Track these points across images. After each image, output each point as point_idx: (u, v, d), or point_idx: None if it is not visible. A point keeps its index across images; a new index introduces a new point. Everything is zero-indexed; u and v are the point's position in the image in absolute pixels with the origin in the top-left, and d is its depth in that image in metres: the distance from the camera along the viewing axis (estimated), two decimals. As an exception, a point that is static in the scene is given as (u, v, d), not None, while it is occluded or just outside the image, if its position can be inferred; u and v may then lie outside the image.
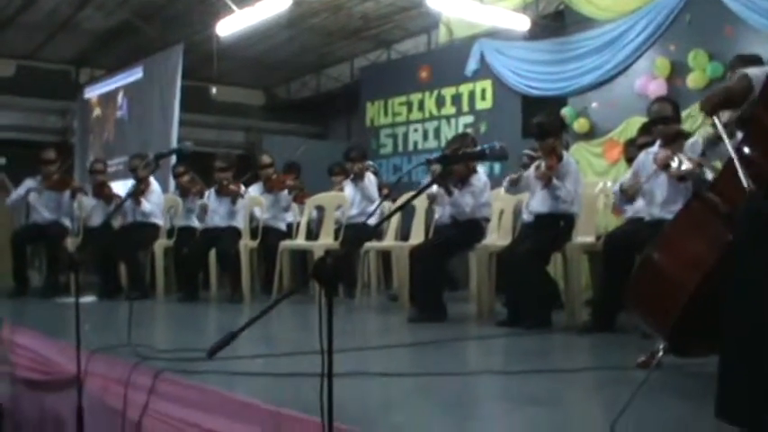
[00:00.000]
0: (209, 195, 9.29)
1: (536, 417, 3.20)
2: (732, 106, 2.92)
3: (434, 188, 7.42)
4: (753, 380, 2.20)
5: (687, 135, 5.69)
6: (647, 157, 5.81)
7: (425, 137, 14.26)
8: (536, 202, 6.58)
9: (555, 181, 6.35)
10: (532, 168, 6.60)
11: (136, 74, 15.66)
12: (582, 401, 3.71)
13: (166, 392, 3.77)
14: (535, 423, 3.08)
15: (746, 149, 2.47)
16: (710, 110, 2.92)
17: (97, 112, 17.09)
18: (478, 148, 2.79)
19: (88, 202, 9.98)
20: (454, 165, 2.55)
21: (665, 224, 2.82)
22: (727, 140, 2.58)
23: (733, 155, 2.44)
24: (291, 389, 3.64)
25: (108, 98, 16.71)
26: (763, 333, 2.16)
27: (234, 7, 12.02)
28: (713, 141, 4.31)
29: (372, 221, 8.91)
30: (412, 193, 3.05)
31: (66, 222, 9.81)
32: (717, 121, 2.86)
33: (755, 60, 5.32)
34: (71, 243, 9.57)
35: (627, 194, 5.88)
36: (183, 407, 3.60)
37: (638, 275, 2.62)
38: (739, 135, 2.76)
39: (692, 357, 3.95)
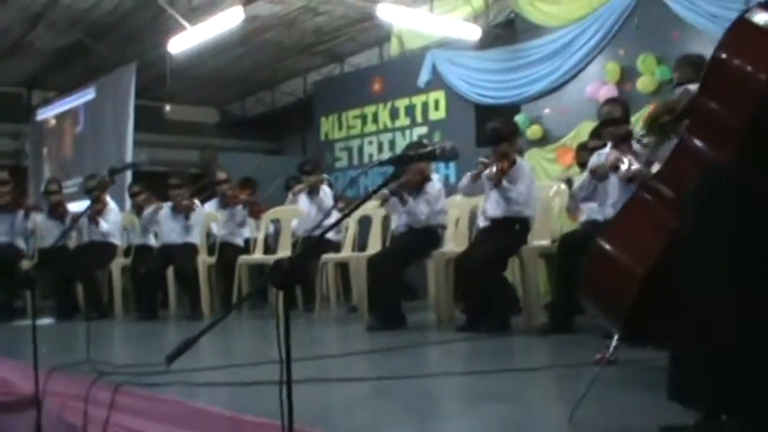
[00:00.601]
0: (165, 212, 9.25)
1: (496, 412, 3.22)
2: (669, 120, 2.99)
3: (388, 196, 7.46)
4: (703, 362, 2.24)
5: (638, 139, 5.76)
6: (599, 158, 5.88)
7: (380, 149, 14.29)
8: (490, 206, 6.63)
9: (505, 183, 6.40)
10: (486, 172, 6.64)
11: (88, 94, 15.57)
12: (541, 397, 3.75)
13: (127, 406, 3.75)
14: (495, 418, 3.11)
15: (689, 138, 2.53)
16: (649, 123, 2.99)
17: (50, 134, 16.95)
18: (429, 148, 2.81)
19: (43, 222, 9.89)
20: (406, 165, 2.58)
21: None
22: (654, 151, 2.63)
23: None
24: (251, 397, 3.64)
25: (61, 120, 16.59)
26: (714, 314, 2.21)
27: (186, 24, 11.98)
28: (656, 144, 4.37)
29: (331, 235, 8.95)
30: (363, 199, 3.08)
31: (21, 244, 9.72)
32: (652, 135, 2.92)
33: (700, 60, 5.39)
34: (26, 265, 9.49)
35: (598, 175, 5.85)
36: (145, 419, 3.58)
37: (589, 268, 2.66)
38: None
39: (646, 346, 4.01)
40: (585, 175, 6.06)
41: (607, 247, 2.64)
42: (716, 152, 2.45)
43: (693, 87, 2.73)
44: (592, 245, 2.69)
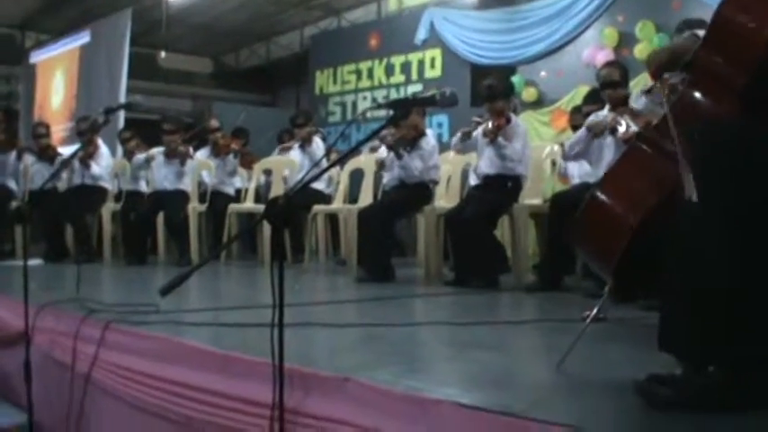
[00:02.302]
0: (157, 158, 9.22)
1: (483, 359, 3.25)
2: (675, 68, 2.97)
3: (383, 153, 7.46)
4: (692, 312, 2.26)
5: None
6: (596, 119, 5.88)
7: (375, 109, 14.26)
8: (484, 163, 6.63)
9: (500, 139, 6.40)
10: (480, 129, 6.64)
11: (83, 38, 15.46)
12: (528, 348, 3.78)
13: (116, 343, 3.77)
14: (483, 365, 3.13)
15: (689, 91, 2.53)
16: (655, 71, 2.96)
17: (42, 76, 16.85)
18: (429, 93, 2.81)
19: (33, 164, 9.83)
20: (404, 109, 2.58)
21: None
22: (666, 105, 2.62)
23: (669, 114, 2.49)
24: (239, 337, 3.66)
25: (54, 62, 16.49)
26: (705, 265, 2.23)
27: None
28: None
29: (322, 187, 8.96)
30: (361, 141, 3.08)
31: (12, 185, 9.68)
32: (659, 85, 2.90)
33: (701, 24, 5.37)
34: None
35: (595, 131, 5.86)
36: (133, 356, 3.60)
37: (583, 215, 2.67)
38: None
39: (635, 300, 4.05)
40: (581, 131, 6.07)
41: (602, 194, 2.65)
42: (715, 105, 2.46)
43: (701, 33, 2.72)
44: (588, 196, 2.70)
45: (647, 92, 4.86)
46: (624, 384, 2.49)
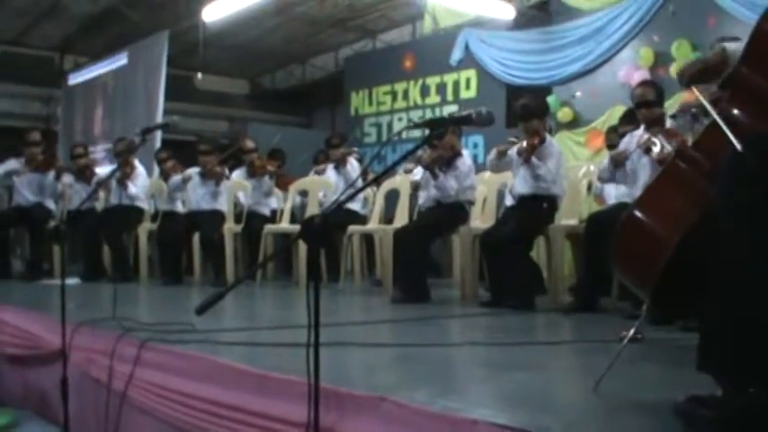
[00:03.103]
0: (193, 178, 9.27)
1: (520, 380, 3.23)
2: (707, 80, 2.96)
3: (418, 175, 7.46)
4: (733, 333, 2.23)
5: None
6: (632, 139, 5.87)
7: (411, 129, 14.23)
8: (519, 183, 6.61)
9: (534, 159, 6.38)
10: (515, 148, 6.63)
11: (120, 60, 15.59)
12: (565, 369, 3.75)
13: (152, 361, 3.78)
14: (519, 386, 3.11)
15: (728, 108, 2.51)
16: (687, 81, 2.96)
17: (81, 99, 17.02)
18: (465, 112, 2.80)
19: (71, 184, 9.92)
20: (440, 128, 2.57)
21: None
22: (708, 106, 2.61)
23: (715, 116, 2.47)
24: (275, 357, 3.67)
25: (92, 85, 16.65)
26: (746, 285, 2.20)
27: (220, -8, 12.00)
28: (691, 115, 4.36)
29: (357, 208, 8.97)
30: (397, 161, 3.07)
31: (50, 205, 9.79)
32: (695, 91, 2.90)
33: (734, 40, 5.34)
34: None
35: (616, 161, 5.89)
36: (169, 375, 3.61)
37: (621, 234, 2.64)
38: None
39: (674, 321, 4.01)
40: (605, 161, 6.07)
41: (640, 213, 2.63)
42: (755, 123, 2.43)
43: (733, 45, 2.71)
44: (625, 215, 2.67)
45: (674, 116, 4.85)
46: (662, 405, 2.46)
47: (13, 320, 5.38)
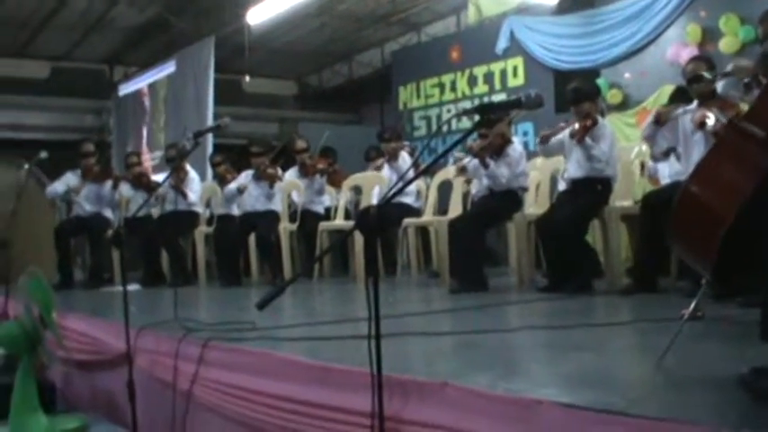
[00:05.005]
0: (247, 181, 9.35)
1: (582, 361, 3.23)
2: None
3: (467, 161, 7.45)
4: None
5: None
6: (685, 115, 5.80)
7: (459, 117, 14.20)
8: (572, 167, 6.58)
9: (588, 140, 6.36)
10: (567, 131, 6.61)
11: (169, 68, 15.78)
12: (626, 348, 3.73)
13: (215, 360, 3.83)
14: (582, 366, 3.11)
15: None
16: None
17: (132, 108, 17.23)
18: (514, 97, 2.80)
19: (129, 192, 10.07)
20: (491, 114, 2.58)
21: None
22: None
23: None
24: (337, 350, 3.69)
25: (143, 94, 16.85)
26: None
27: (263, -6, 12.09)
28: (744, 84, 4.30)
29: (411, 201, 8.98)
30: (447, 148, 3.09)
31: (108, 214, 9.93)
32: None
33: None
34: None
35: (658, 118, 5.85)
36: (233, 372, 3.65)
37: (677, 209, 2.62)
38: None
39: (735, 296, 3.97)
40: (650, 117, 6.02)
41: (695, 187, 2.61)
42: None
43: None
44: (681, 189, 2.65)
45: (725, 74, 4.78)
46: (725, 379, 2.45)
47: (79, 327, 5.48)
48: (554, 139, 6.72)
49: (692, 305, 3.29)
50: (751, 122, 2.55)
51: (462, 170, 7.49)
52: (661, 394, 2.55)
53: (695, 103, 5.77)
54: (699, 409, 2.27)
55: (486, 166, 7.00)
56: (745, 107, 4.70)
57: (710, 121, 5.31)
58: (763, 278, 2.36)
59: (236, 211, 9.85)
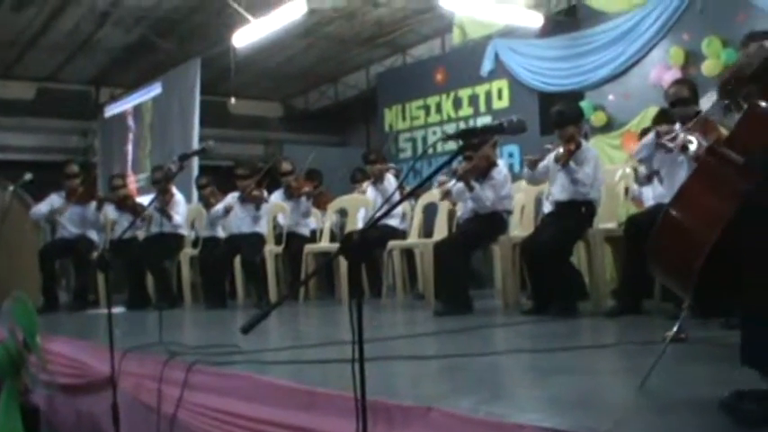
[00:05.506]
0: (233, 203, 9.35)
1: (565, 383, 3.25)
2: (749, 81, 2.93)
3: (452, 185, 7.47)
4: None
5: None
6: (668, 128, 5.83)
7: (445, 140, 14.19)
8: (556, 189, 6.61)
9: (572, 164, 6.39)
10: (552, 155, 6.64)
11: (155, 90, 15.79)
12: (611, 370, 3.75)
13: (200, 384, 3.83)
14: (564, 389, 3.12)
15: (759, 104, 2.51)
16: (723, 92, 2.93)
17: (118, 129, 17.22)
18: (497, 122, 2.82)
19: (114, 214, 10.04)
20: (473, 138, 2.59)
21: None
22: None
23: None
24: (322, 374, 3.69)
25: (129, 116, 16.85)
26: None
27: (249, 17, 12.11)
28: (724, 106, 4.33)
29: (396, 223, 8.99)
30: (432, 173, 3.10)
31: (93, 236, 9.89)
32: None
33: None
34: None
35: (662, 137, 5.83)
36: (217, 396, 3.65)
37: (658, 233, 2.65)
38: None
39: (715, 317, 4.00)
40: (650, 134, 6.03)
41: (676, 212, 2.63)
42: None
43: None
44: (662, 215, 2.68)
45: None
46: (708, 402, 2.46)
47: (63, 350, 5.46)
48: (540, 165, 6.74)
49: (675, 327, 3.31)
50: (730, 148, 2.58)
51: (447, 194, 7.52)
52: (643, 418, 2.57)
53: (677, 125, 5.81)
54: (681, 432, 2.29)
55: (471, 188, 7.02)
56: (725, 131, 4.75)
57: (693, 146, 5.36)
58: (741, 302, 2.38)
59: (221, 233, 9.86)
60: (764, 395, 2.30)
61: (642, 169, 6.98)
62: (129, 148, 16.85)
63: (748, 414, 2.26)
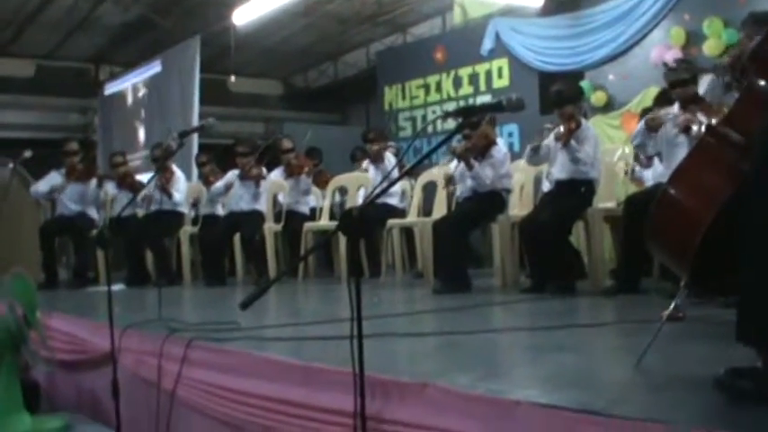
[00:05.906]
0: (233, 181, 9.35)
1: (563, 361, 3.26)
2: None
3: (452, 167, 7.48)
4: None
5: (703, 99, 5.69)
6: (666, 117, 5.83)
7: (444, 118, 14.23)
8: (556, 168, 6.61)
9: (573, 143, 6.39)
10: (552, 135, 6.63)
11: (154, 68, 15.76)
12: (607, 349, 3.76)
13: (199, 360, 3.84)
14: (562, 367, 3.14)
15: (757, 82, 2.52)
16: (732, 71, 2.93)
17: (118, 107, 17.20)
18: (495, 99, 2.83)
19: (114, 192, 10.05)
20: (472, 116, 2.60)
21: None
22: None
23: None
24: (320, 350, 3.71)
25: (128, 93, 16.82)
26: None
27: (249, -6, 12.10)
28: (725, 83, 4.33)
29: (395, 202, 8.99)
30: (430, 150, 3.11)
31: (93, 213, 9.90)
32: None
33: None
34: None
35: (650, 125, 5.84)
36: (216, 372, 3.67)
37: (656, 211, 2.65)
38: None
39: (713, 296, 4.01)
40: (640, 124, 6.04)
41: (674, 190, 2.64)
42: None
43: None
44: (660, 193, 2.68)
45: (702, 70, 4.79)
46: (704, 380, 2.47)
47: (63, 327, 5.47)
48: (543, 145, 6.73)
49: (672, 306, 3.32)
50: (729, 127, 2.58)
51: (450, 180, 7.54)
52: (640, 395, 2.58)
53: (676, 106, 5.81)
54: (676, 409, 2.30)
55: (470, 167, 7.02)
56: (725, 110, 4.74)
57: (695, 126, 5.36)
58: (738, 282, 2.39)
59: (221, 211, 9.87)
60: (759, 372, 2.31)
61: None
62: (129, 125, 16.82)
63: (743, 392, 2.27)
